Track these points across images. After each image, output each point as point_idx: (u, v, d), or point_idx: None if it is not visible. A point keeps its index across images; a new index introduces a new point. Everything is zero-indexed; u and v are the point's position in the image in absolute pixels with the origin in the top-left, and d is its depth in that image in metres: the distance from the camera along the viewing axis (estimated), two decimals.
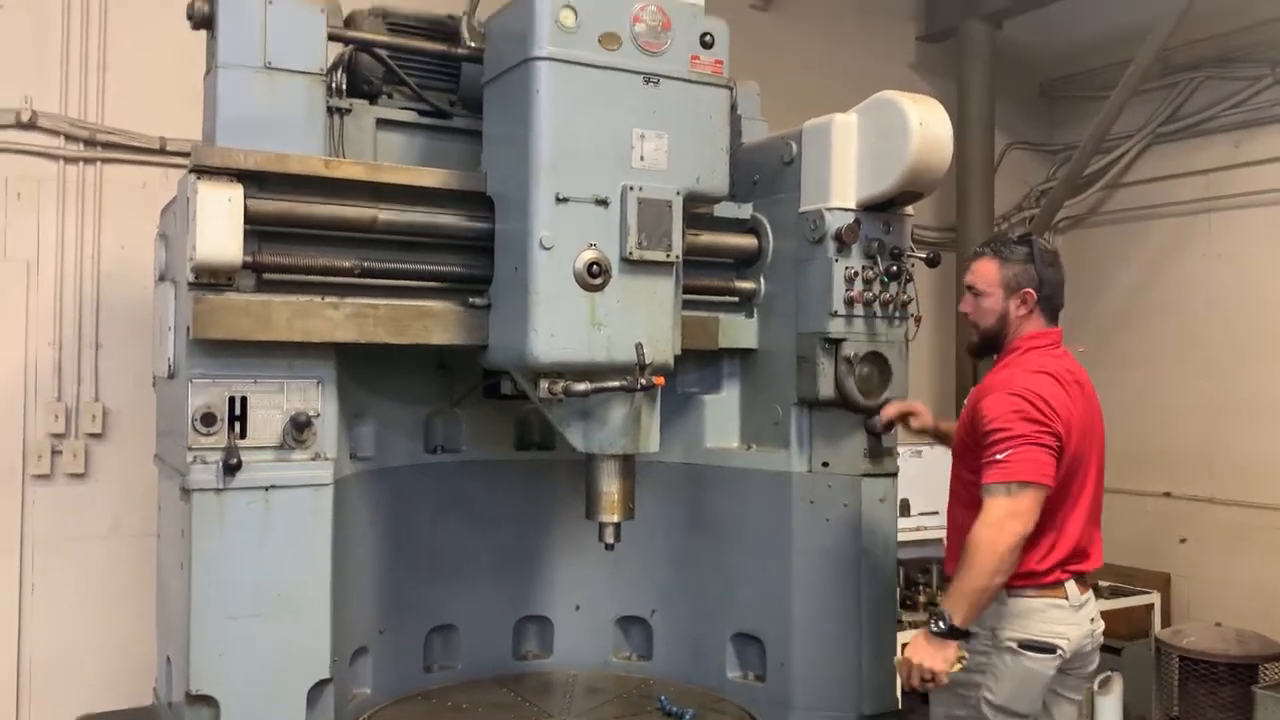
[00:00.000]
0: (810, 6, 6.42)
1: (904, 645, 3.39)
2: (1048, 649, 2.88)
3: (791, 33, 6.28)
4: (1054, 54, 7.37)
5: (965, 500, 3.01)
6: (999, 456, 2.79)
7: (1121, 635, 5.94)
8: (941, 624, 2.77)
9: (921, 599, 5.58)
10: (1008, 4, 6.43)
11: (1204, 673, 5.09)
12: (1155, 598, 5.92)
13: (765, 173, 3.64)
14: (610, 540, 3.19)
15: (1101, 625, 3.11)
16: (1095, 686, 5.32)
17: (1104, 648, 5.81)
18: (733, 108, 3.73)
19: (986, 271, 3.06)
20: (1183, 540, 6.55)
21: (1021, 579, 2.88)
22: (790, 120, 3.60)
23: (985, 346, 3.10)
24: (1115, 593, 5.72)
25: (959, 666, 2.81)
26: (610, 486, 3.14)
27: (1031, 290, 2.99)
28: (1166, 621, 6.22)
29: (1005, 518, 2.75)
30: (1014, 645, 2.87)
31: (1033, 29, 7.05)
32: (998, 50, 6.67)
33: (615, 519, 3.17)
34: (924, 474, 5.34)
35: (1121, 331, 7.04)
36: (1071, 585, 2.95)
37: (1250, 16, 6.14)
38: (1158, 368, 6.79)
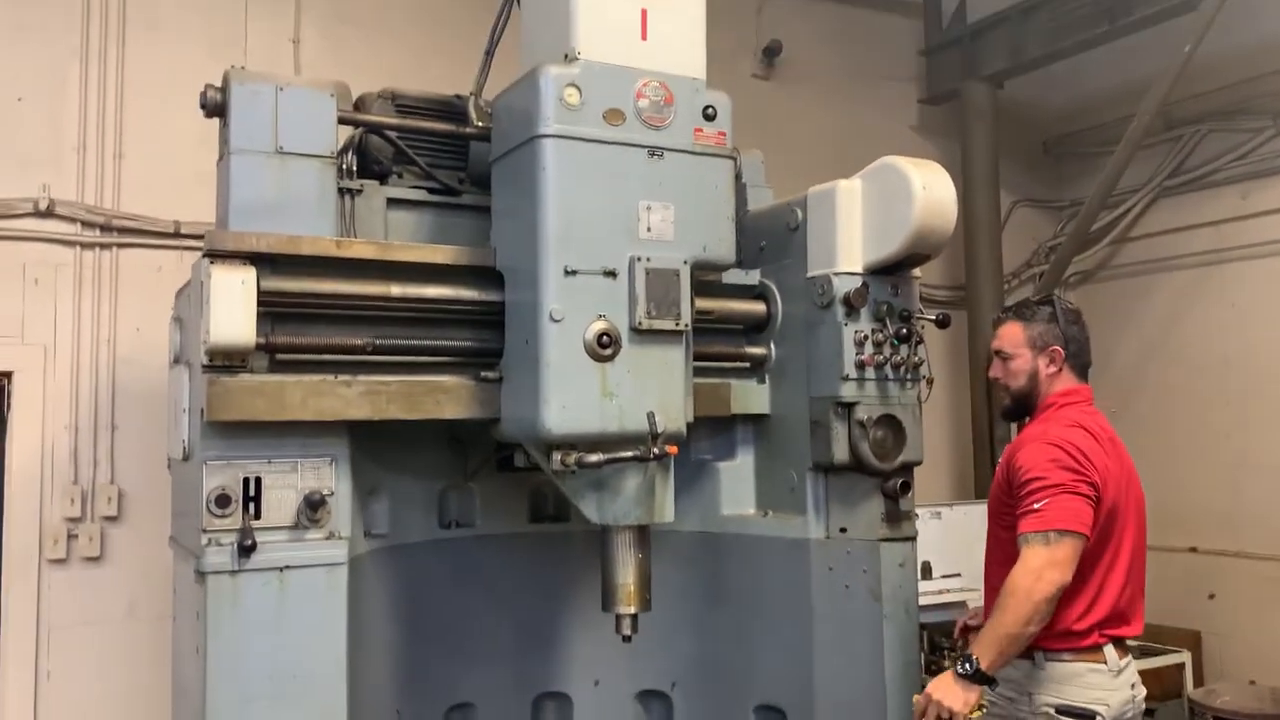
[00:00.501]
0: (811, 74, 6.52)
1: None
2: (1086, 715, 2.82)
3: (794, 100, 6.37)
4: (1056, 111, 7.44)
5: (1002, 560, 2.96)
6: (1036, 506, 2.77)
7: (1154, 696, 5.79)
8: (968, 666, 2.74)
9: (946, 664, 5.47)
10: (1007, 65, 6.51)
11: None
12: (1186, 657, 5.79)
13: (772, 239, 3.67)
14: (627, 632, 3.16)
15: (1143, 692, 3.04)
16: None
17: None
18: (737, 176, 3.77)
19: (1012, 334, 3.07)
20: (1211, 596, 6.43)
21: (1058, 640, 2.83)
22: (797, 186, 3.64)
23: (1018, 409, 3.10)
24: (1145, 652, 5.59)
25: (978, 714, 2.75)
26: (626, 577, 3.11)
27: (1059, 348, 3.00)
28: (1199, 681, 6.08)
29: (1044, 567, 2.72)
30: (1051, 711, 2.81)
31: (1034, 87, 7.13)
32: (1000, 110, 6.74)
33: (632, 610, 3.14)
34: (945, 536, 5.29)
35: (1139, 385, 6.99)
36: (1110, 650, 2.89)
37: (1251, 69, 6.19)
38: (1178, 421, 6.73)
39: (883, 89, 6.84)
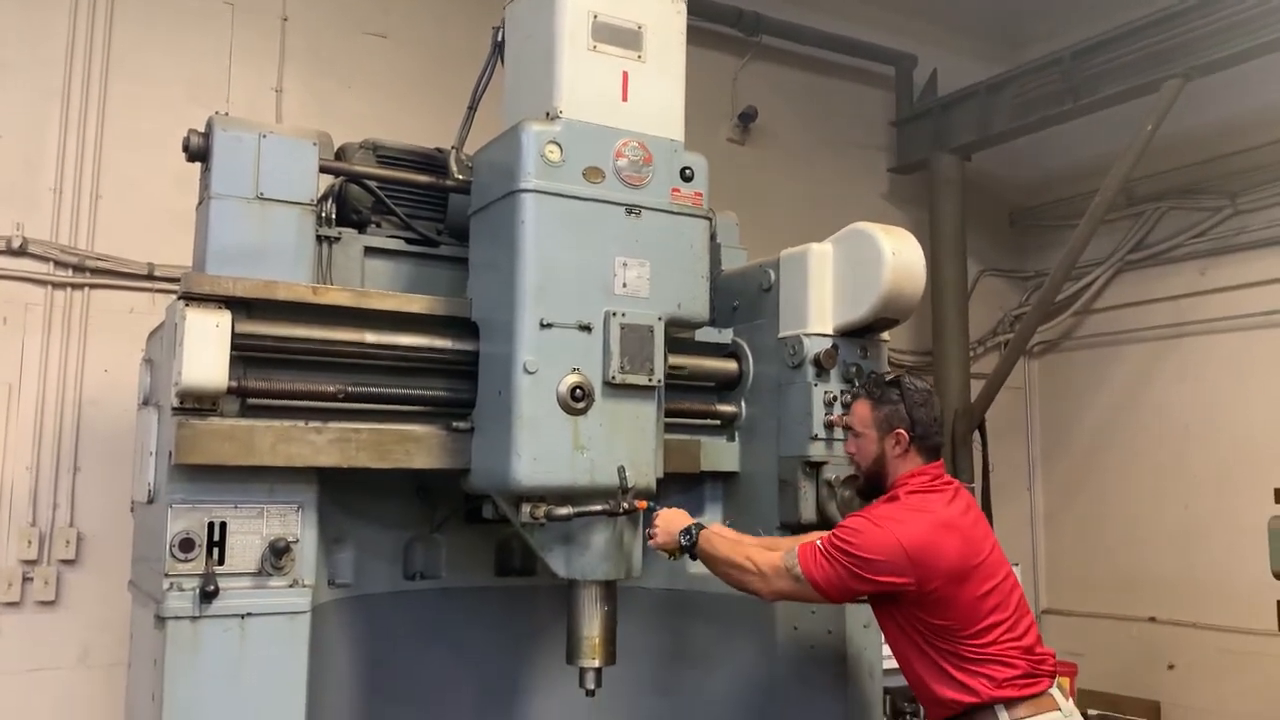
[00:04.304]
0: (785, 141, 6.65)
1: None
2: None
3: (767, 165, 6.49)
4: (1022, 184, 7.63)
5: (904, 644, 2.99)
6: (822, 547, 2.85)
7: None
8: (692, 534, 3.06)
9: None
10: (975, 137, 6.68)
11: None
12: None
13: (745, 299, 3.72)
14: (591, 686, 3.14)
15: None
16: None
17: None
18: (712, 236, 3.84)
19: (862, 413, 3.11)
20: (1171, 666, 6.47)
21: (1017, 703, 2.85)
22: (770, 247, 3.70)
23: (870, 488, 3.13)
24: None
25: (671, 556, 3.17)
26: (592, 630, 3.11)
27: (904, 431, 3.02)
28: None
29: (782, 582, 2.90)
30: None
31: (1001, 160, 7.32)
32: (967, 181, 6.90)
33: (596, 664, 3.12)
34: None
35: (1100, 454, 7.10)
36: (1058, 694, 2.94)
37: (1211, 150, 6.40)
38: (1138, 491, 6.82)
39: (854, 157, 6.99)
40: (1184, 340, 6.64)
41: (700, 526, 3.10)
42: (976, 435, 6.56)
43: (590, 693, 3.15)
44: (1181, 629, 6.48)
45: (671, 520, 3.12)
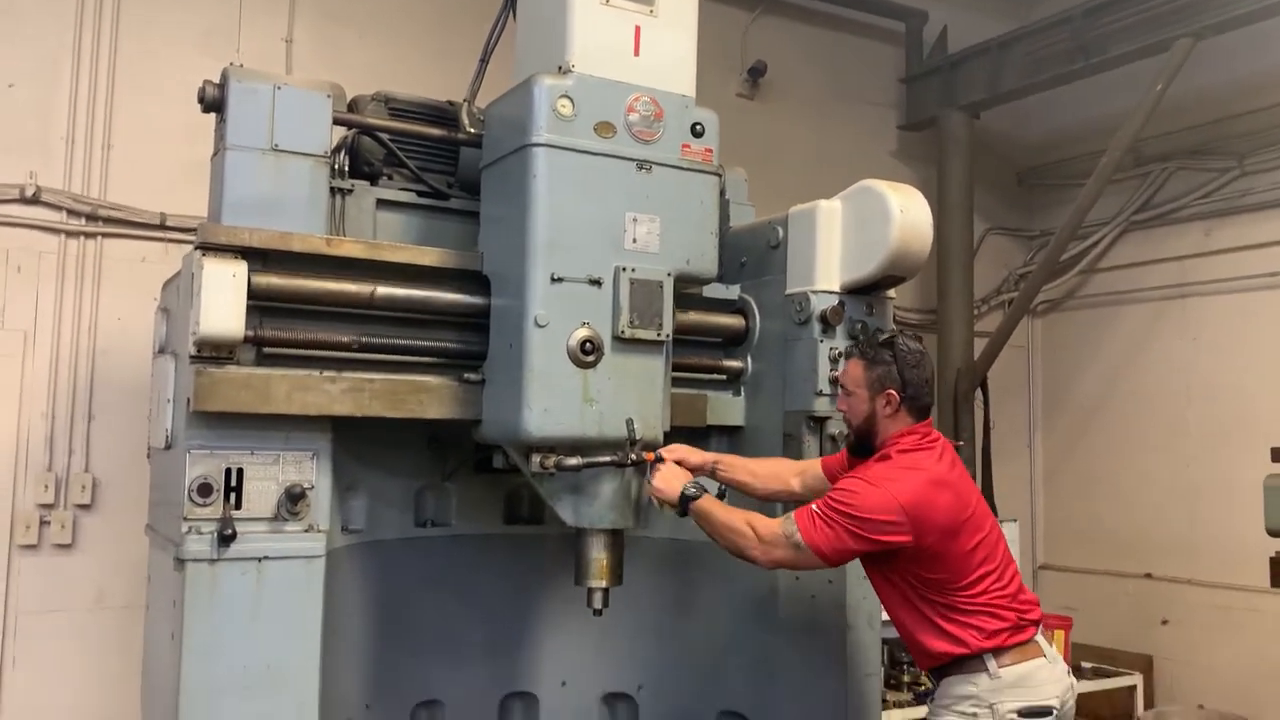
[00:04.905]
0: (795, 96, 6.64)
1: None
2: (1045, 712, 2.93)
3: (777, 120, 6.49)
4: (1031, 143, 7.61)
5: (895, 599, 3.08)
6: (821, 514, 2.89)
7: (1104, 718, 5.94)
8: (694, 490, 3.07)
9: (906, 678, 5.57)
10: (985, 95, 6.65)
11: None
12: (1138, 679, 5.92)
13: (753, 256, 3.76)
14: (598, 605, 3.22)
15: (1075, 681, 3.17)
16: None
17: None
18: (721, 193, 3.85)
19: (854, 372, 3.15)
20: (1164, 622, 6.57)
21: (1004, 652, 2.94)
22: (777, 205, 3.72)
23: (860, 445, 3.17)
24: (1098, 674, 5.73)
25: (666, 510, 3.16)
26: (599, 553, 3.19)
27: (895, 391, 3.06)
28: (1150, 704, 6.21)
29: (778, 551, 2.92)
30: (1015, 716, 2.91)
31: (1010, 119, 7.30)
32: (976, 139, 6.89)
33: (604, 584, 3.21)
34: None
35: (1101, 414, 7.16)
36: (1042, 640, 3.02)
37: (1219, 111, 6.38)
38: (1137, 450, 6.89)
39: (863, 113, 6.97)
40: (1187, 301, 6.67)
41: (701, 487, 3.11)
42: (979, 393, 6.60)
43: (598, 612, 3.24)
44: (1177, 585, 6.58)
45: (672, 477, 3.12)
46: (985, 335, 6.78)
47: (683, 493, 3.07)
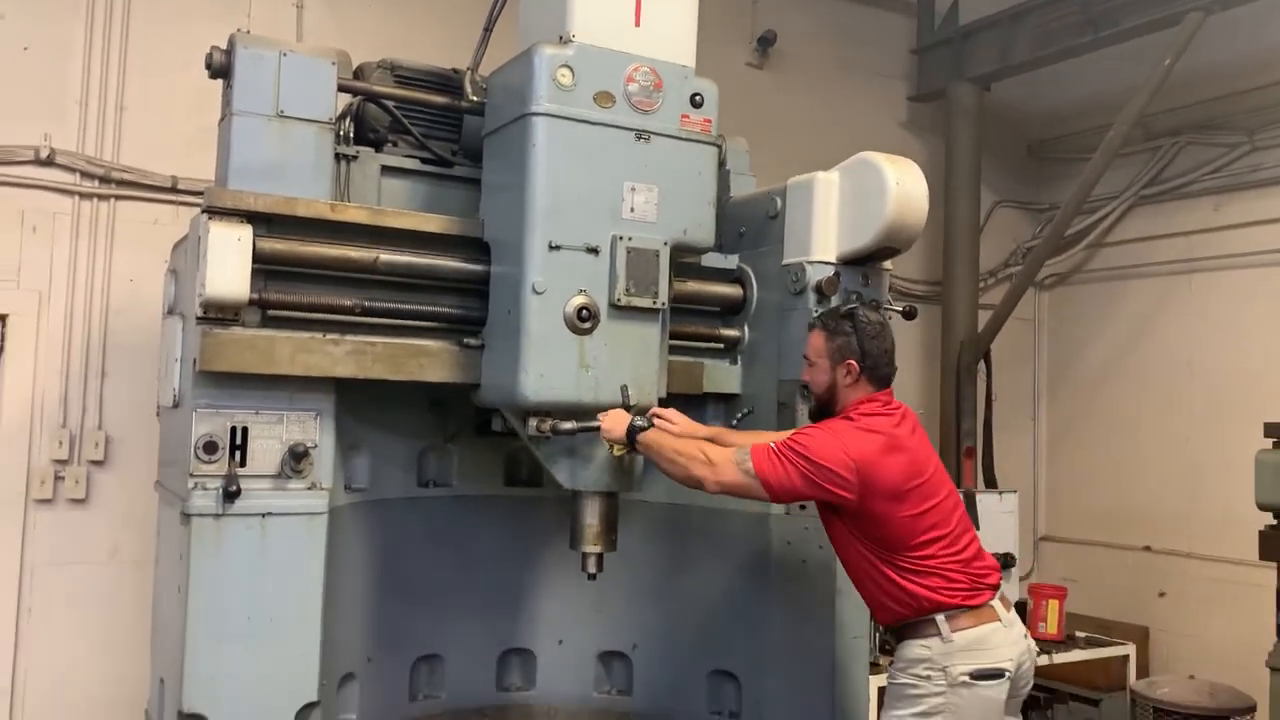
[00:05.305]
0: (805, 67, 6.63)
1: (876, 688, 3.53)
2: (998, 674, 3.02)
3: (786, 90, 6.49)
4: (1041, 116, 7.59)
5: (851, 554, 3.16)
6: (774, 446, 2.98)
7: (1099, 687, 6.02)
8: (642, 422, 3.10)
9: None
10: (995, 67, 6.64)
11: None
12: (1130, 649, 5.99)
13: (751, 226, 3.80)
14: (592, 570, 3.31)
15: (1034, 644, 3.25)
16: None
17: (1082, 699, 5.95)
18: (722, 163, 3.90)
19: (816, 343, 3.23)
20: (1161, 594, 6.64)
21: (957, 615, 3.02)
22: (787, 173, 3.73)
23: (822, 412, 3.26)
24: (1090, 643, 5.81)
25: (618, 450, 3.16)
26: (594, 519, 3.28)
27: (854, 362, 3.14)
28: (1144, 674, 6.29)
29: (727, 477, 2.98)
30: (967, 678, 2.99)
31: (1020, 91, 7.28)
32: (986, 111, 6.88)
33: (598, 549, 3.30)
34: None
35: (1105, 388, 7.19)
36: (998, 604, 3.10)
37: (1229, 85, 6.36)
38: (1140, 423, 6.93)
39: (873, 84, 6.96)
40: (1194, 276, 6.68)
41: (650, 423, 3.14)
42: (982, 365, 6.64)
43: (592, 576, 3.33)
44: (1175, 558, 6.64)
45: (620, 418, 3.13)
46: (992, 308, 6.81)
47: (630, 425, 3.09)
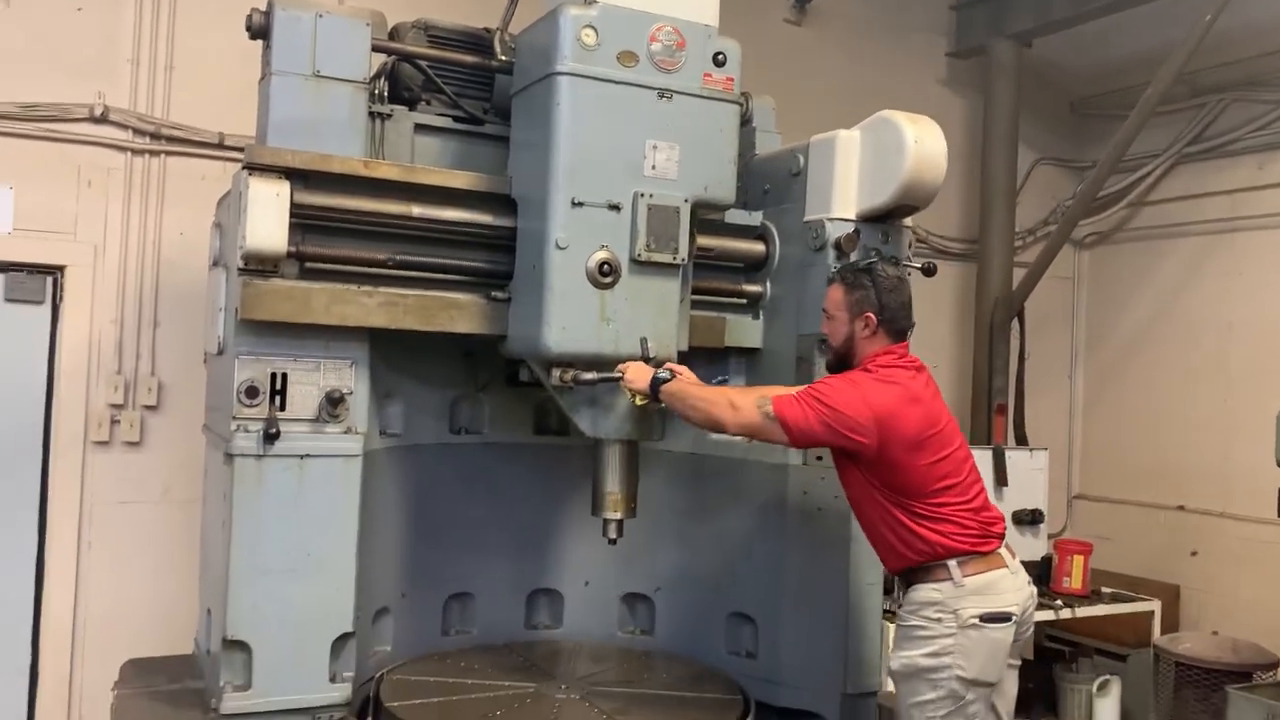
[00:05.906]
0: (843, 22, 6.61)
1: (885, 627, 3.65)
2: (1005, 618, 3.13)
3: (824, 46, 6.48)
4: (1085, 72, 7.49)
5: (864, 499, 3.25)
6: (795, 394, 3.10)
7: (1126, 642, 6.08)
8: (666, 374, 3.21)
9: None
10: (1035, 24, 6.57)
11: (1197, 679, 5.21)
12: (1155, 605, 6.02)
13: (775, 183, 3.88)
14: (613, 535, 3.46)
15: (1035, 589, 3.34)
16: (1094, 689, 5.49)
17: (1108, 654, 6.01)
18: (747, 120, 3.97)
19: (835, 296, 3.31)
20: (1194, 553, 6.66)
21: (968, 560, 3.13)
22: (823, 130, 3.77)
23: (839, 365, 3.34)
24: (1116, 599, 5.86)
25: (640, 400, 3.25)
26: (614, 485, 3.41)
27: (872, 314, 3.21)
28: (1171, 630, 6.33)
29: (748, 424, 3.11)
30: (977, 621, 3.10)
31: (1063, 47, 7.18)
32: (1027, 67, 6.81)
33: (618, 516, 3.44)
34: None
35: (1143, 346, 7.17)
36: (1005, 553, 3.21)
37: (1276, 42, 6.25)
38: (1177, 383, 6.90)
39: (912, 40, 6.93)
40: (1236, 235, 6.61)
41: (674, 374, 3.25)
42: (1015, 323, 6.65)
43: (612, 541, 3.48)
44: (1209, 518, 6.64)
45: (644, 370, 3.24)
46: (1028, 266, 6.80)
47: (654, 378, 3.20)
